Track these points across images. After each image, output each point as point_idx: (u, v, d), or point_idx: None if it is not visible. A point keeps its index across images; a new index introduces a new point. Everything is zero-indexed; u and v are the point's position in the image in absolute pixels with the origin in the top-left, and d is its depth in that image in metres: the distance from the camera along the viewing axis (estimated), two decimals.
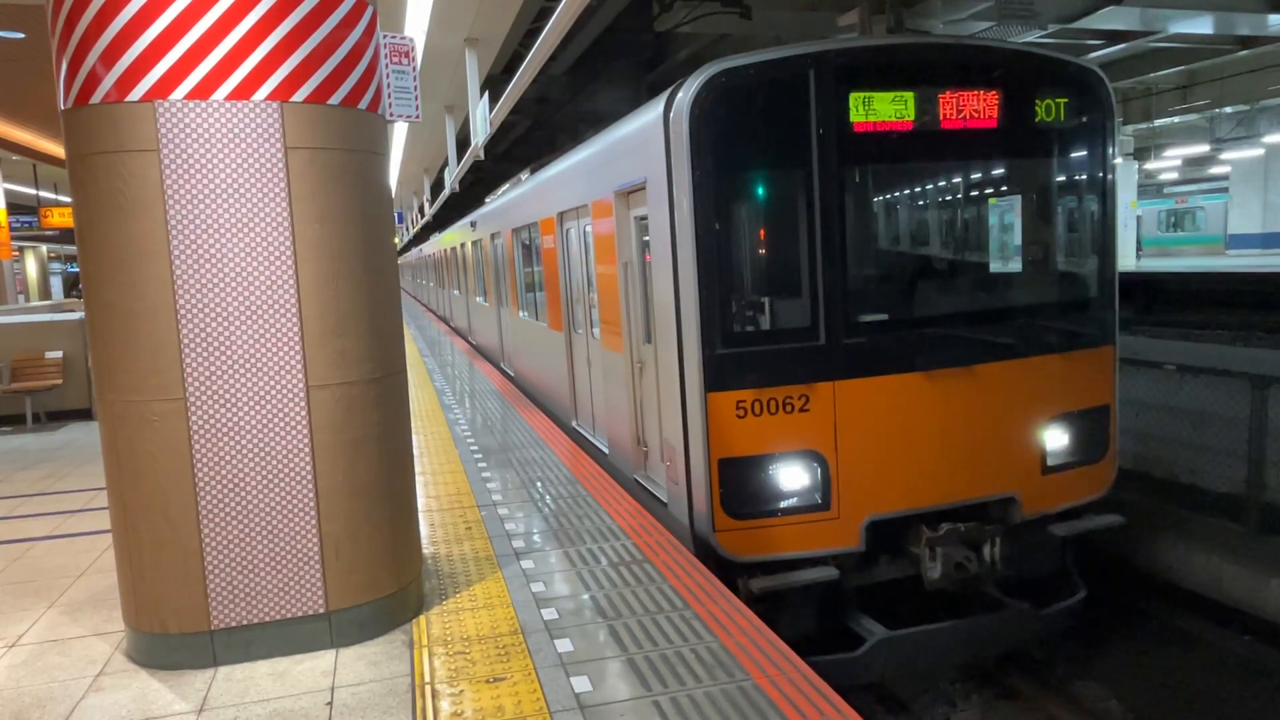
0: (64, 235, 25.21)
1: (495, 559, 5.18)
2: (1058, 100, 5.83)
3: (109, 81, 3.73)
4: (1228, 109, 23.97)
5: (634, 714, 3.42)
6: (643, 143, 5.81)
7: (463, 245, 18.40)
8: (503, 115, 11.03)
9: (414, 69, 5.46)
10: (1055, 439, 5.91)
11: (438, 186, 24.58)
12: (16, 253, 36.27)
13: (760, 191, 5.59)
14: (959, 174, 5.99)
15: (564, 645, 4.02)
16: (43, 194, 24.43)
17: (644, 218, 6.10)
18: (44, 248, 37.96)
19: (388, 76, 5.10)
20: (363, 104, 4.17)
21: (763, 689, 3.55)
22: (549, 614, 4.36)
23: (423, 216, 29.68)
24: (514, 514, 6.07)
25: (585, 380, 8.52)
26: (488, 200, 15.22)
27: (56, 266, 42.87)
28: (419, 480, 7.05)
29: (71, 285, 42.10)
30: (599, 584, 4.74)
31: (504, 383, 12.36)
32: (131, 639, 4.13)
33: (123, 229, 3.79)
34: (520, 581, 4.81)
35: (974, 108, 5.57)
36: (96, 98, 3.76)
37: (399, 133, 17.76)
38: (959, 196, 6.03)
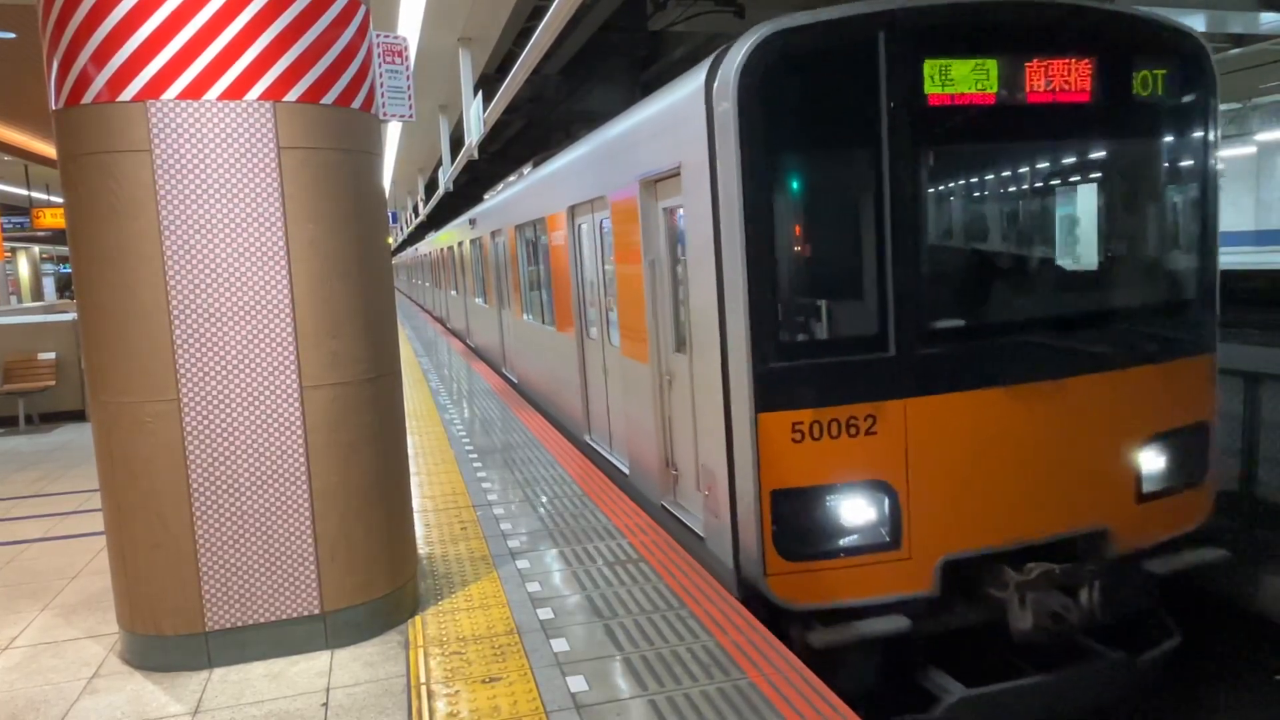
0: (56, 236, 25.15)
1: (491, 559, 5.18)
2: (1157, 71, 4.96)
3: (100, 81, 3.71)
4: (1220, 106, 24.10)
5: (630, 713, 3.41)
6: (676, 122, 5.09)
7: (460, 244, 17.75)
8: (497, 115, 11.00)
9: (407, 68, 5.44)
10: (1151, 462, 5.09)
11: (432, 186, 24.55)
12: (8, 254, 36.16)
13: (821, 176, 4.82)
14: (1045, 157, 5.11)
15: (560, 645, 4.01)
16: (35, 195, 24.33)
17: (676, 209, 5.46)
18: (36, 249, 37.82)
19: (381, 76, 5.09)
20: (356, 103, 4.16)
21: (759, 688, 3.55)
22: (545, 614, 4.36)
23: (417, 216, 29.64)
24: (509, 514, 6.06)
25: (600, 391, 7.76)
26: (486, 197, 14.85)
27: (49, 267, 42.71)
28: (414, 481, 7.04)
29: (64, 286, 41.95)
30: (595, 583, 4.73)
31: (500, 384, 12.35)
32: (126, 641, 4.12)
33: (115, 230, 3.77)
34: (516, 581, 4.81)
35: (1064, 79, 4.74)
36: (88, 98, 3.74)
37: (393, 132, 17.72)
38: (1045, 183, 5.17)
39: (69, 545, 5.95)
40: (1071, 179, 5.23)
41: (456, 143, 16.38)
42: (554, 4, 6.57)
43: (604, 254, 7.14)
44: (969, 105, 4.62)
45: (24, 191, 23.94)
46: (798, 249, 4.73)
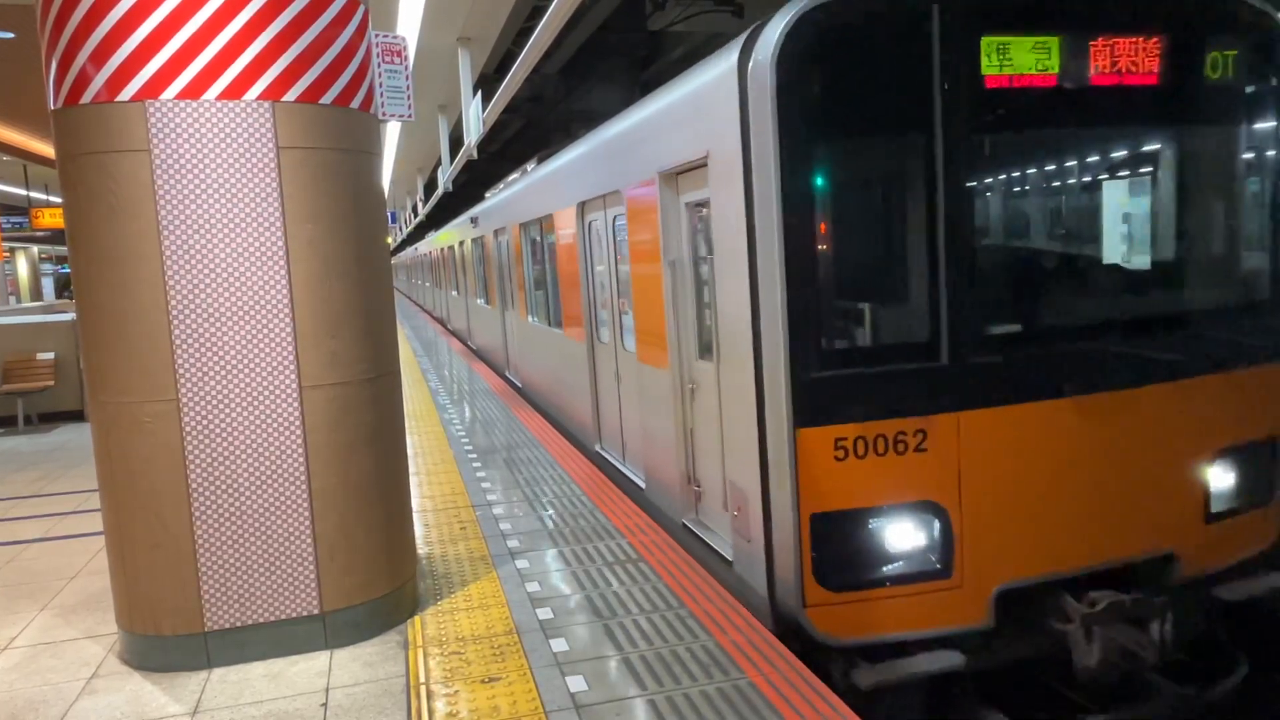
0: (55, 236, 25.14)
1: (490, 559, 5.17)
2: (1230, 52, 4.54)
3: (99, 81, 3.71)
4: None
5: (630, 713, 3.41)
6: (703, 108, 4.66)
7: (461, 243, 17.29)
8: (496, 114, 11.01)
9: (406, 68, 5.44)
10: (1221, 479, 4.69)
11: (431, 186, 24.56)
12: (7, 254, 36.14)
13: (867, 165, 4.43)
14: (1108, 145, 4.70)
15: (559, 645, 4.01)
16: (34, 194, 24.33)
17: (701, 204, 5.00)
18: (35, 249, 37.81)
19: (380, 76, 5.09)
20: (355, 103, 4.15)
21: (758, 687, 3.55)
22: (544, 614, 4.36)
23: (416, 216, 29.64)
24: (509, 514, 6.06)
25: (613, 399, 7.32)
26: (488, 195, 14.63)
27: (48, 267, 42.71)
28: (414, 480, 7.04)
29: (63, 286, 41.96)
30: (594, 583, 4.73)
31: (500, 384, 12.35)
32: (125, 641, 4.12)
33: (114, 229, 3.77)
34: (515, 581, 4.80)
35: (1130, 60, 4.35)
36: (87, 98, 3.74)
37: (392, 132, 17.72)
38: (1107, 174, 4.73)
39: (68, 545, 5.95)
40: (1136, 169, 4.80)
41: (455, 143, 16.38)
42: (553, 4, 6.56)
43: (618, 253, 6.72)
44: (1028, 88, 4.21)
45: (23, 191, 23.93)
46: (841, 246, 4.28)
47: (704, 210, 4.98)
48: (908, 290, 4.30)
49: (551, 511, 6.06)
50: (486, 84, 12.35)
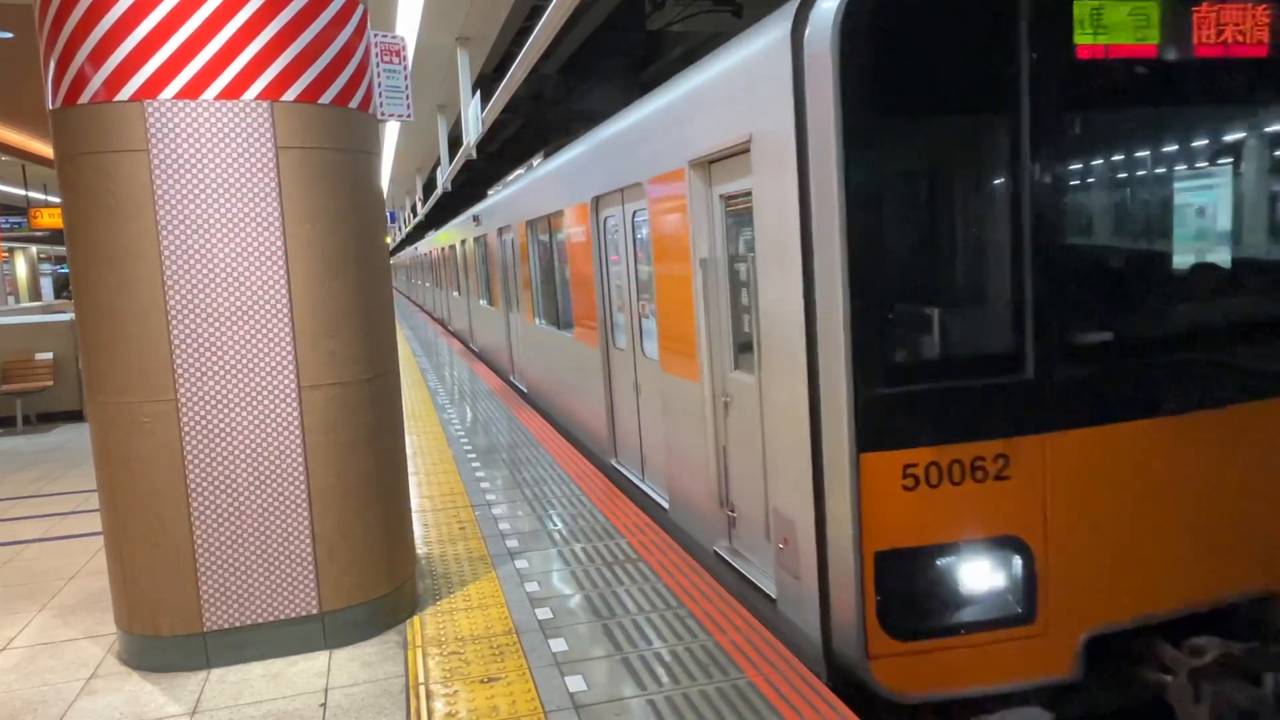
0: (54, 236, 25.12)
1: (489, 559, 5.17)
2: None
3: (97, 81, 3.71)
4: None
5: (629, 713, 3.41)
6: (745, 86, 4.16)
7: (463, 242, 16.71)
8: (495, 114, 11.00)
9: (405, 68, 5.43)
10: None
11: (430, 186, 24.56)
12: (6, 254, 36.12)
13: (944, 148, 3.89)
14: (1214, 126, 4.15)
15: (558, 645, 4.01)
16: (32, 195, 24.31)
17: (740, 196, 4.53)
18: (34, 249, 37.79)
19: (379, 75, 5.08)
20: (354, 103, 4.15)
21: (758, 687, 3.55)
22: (543, 613, 4.36)
23: (415, 216, 29.64)
24: (508, 514, 6.06)
25: (630, 410, 6.79)
26: (491, 192, 14.29)
27: (47, 267, 42.69)
28: (413, 480, 7.04)
29: (62, 286, 41.95)
30: (593, 583, 4.73)
31: (499, 384, 12.34)
32: (124, 641, 4.11)
33: (113, 229, 3.77)
34: (515, 581, 4.80)
35: (1238, 28, 3.82)
36: (85, 98, 3.74)
37: (391, 132, 17.72)
38: (1212, 160, 4.19)
39: (67, 545, 5.94)
40: (1246, 156, 4.24)
41: (455, 142, 16.38)
42: (552, 3, 6.56)
43: (637, 251, 6.25)
44: (1125, 60, 3.71)
45: (22, 191, 23.92)
46: (912, 241, 3.81)
47: (742, 203, 4.51)
48: (987, 293, 3.80)
49: (550, 511, 6.06)
50: (485, 84, 12.35)
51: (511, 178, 12.57)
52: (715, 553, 5.10)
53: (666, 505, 5.98)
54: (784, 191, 3.84)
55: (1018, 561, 3.74)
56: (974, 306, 3.84)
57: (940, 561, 3.69)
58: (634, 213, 6.17)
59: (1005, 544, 3.73)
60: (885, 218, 3.63)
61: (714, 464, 5.03)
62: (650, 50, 13.07)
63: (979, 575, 3.74)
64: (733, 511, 4.97)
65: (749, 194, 4.27)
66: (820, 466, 3.80)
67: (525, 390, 11.42)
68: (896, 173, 3.74)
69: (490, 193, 14.28)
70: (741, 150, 4.30)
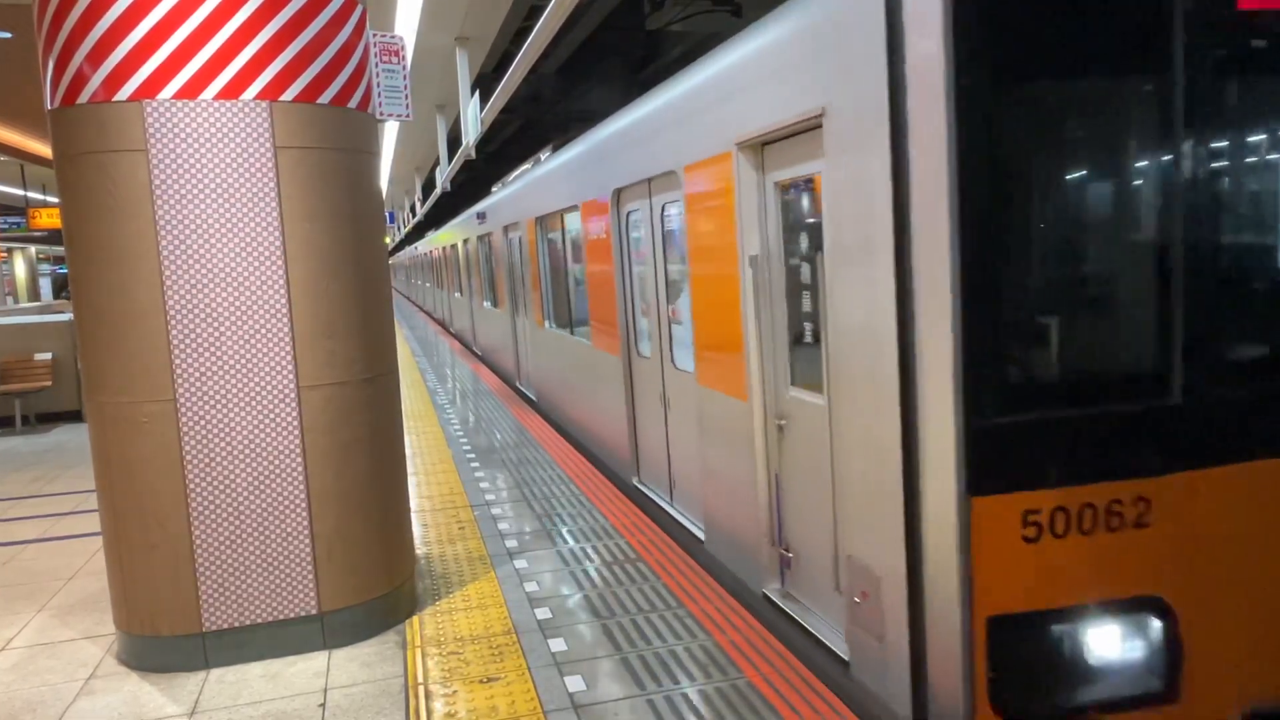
0: (52, 236, 25.08)
1: (489, 559, 5.17)
2: None
3: (96, 81, 3.70)
4: None
5: (628, 713, 3.41)
6: (815, 51, 3.49)
7: (466, 241, 16.03)
8: (494, 114, 11.00)
9: (404, 68, 5.43)
10: None
11: (429, 186, 24.57)
12: (5, 254, 36.10)
13: (1079, 121, 3.12)
14: None
15: (558, 644, 4.01)
16: (31, 195, 24.30)
17: (799, 184, 3.95)
18: (32, 249, 37.76)
19: (378, 75, 5.08)
20: (352, 103, 4.15)
21: (757, 687, 3.55)
22: (542, 613, 4.36)
23: (415, 216, 29.64)
24: (507, 513, 6.06)
25: (657, 425, 6.20)
26: (494, 190, 13.74)
27: (45, 268, 42.67)
28: (412, 481, 7.03)
29: (60, 286, 41.92)
30: (592, 583, 4.73)
31: (497, 383, 12.34)
32: (122, 642, 4.11)
33: (111, 230, 3.76)
34: (514, 581, 4.80)
35: None
36: (83, 97, 3.73)
37: (390, 132, 17.71)
38: None
39: (66, 546, 5.94)
40: None
41: (454, 142, 16.37)
42: (551, 3, 6.56)
43: (667, 249, 5.67)
44: None
45: (20, 191, 23.90)
46: (1040, 236, 3.08)
47: (804, 191, 3.92)
48: (1127, 299, 3.14)
49: (550, 511, 6.06)
50: (485, 83, 12.35)
51: (517, 173, 12.23)
52: (764, 596, 4.47)
53: (702, 536, 5.33)
54: (870, 174, 3.18)
55: (1158, 627, 3.10)
56: (1111, 316, 3.15)
57: (1065, 628, 3.06)
58: (663, 206, 5.60)
59: (1143, 605, 3.09)
60: (1007, 205, 2.95)
61: (764, 495, 4.44)
62: (649, 50, 13.07)
63: (1111, 644, 3.10)
64: (787, 551, 4.34)
65: (817, 179, 3.69)
66: (916, 510, 3.14)
67: (534, 398, 10.86)
68: (1023, 150, 3.01)
69: (494, 189, 13.89)
70: (809, 127, 3.65)
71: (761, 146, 4.22)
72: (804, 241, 4.03)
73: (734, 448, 4.68)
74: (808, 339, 4.04)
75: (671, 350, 5.75)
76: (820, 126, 3.53)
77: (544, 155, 10.47)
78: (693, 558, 5.07)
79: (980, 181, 2.87)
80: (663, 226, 5.68)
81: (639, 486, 6.65)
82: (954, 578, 3.00)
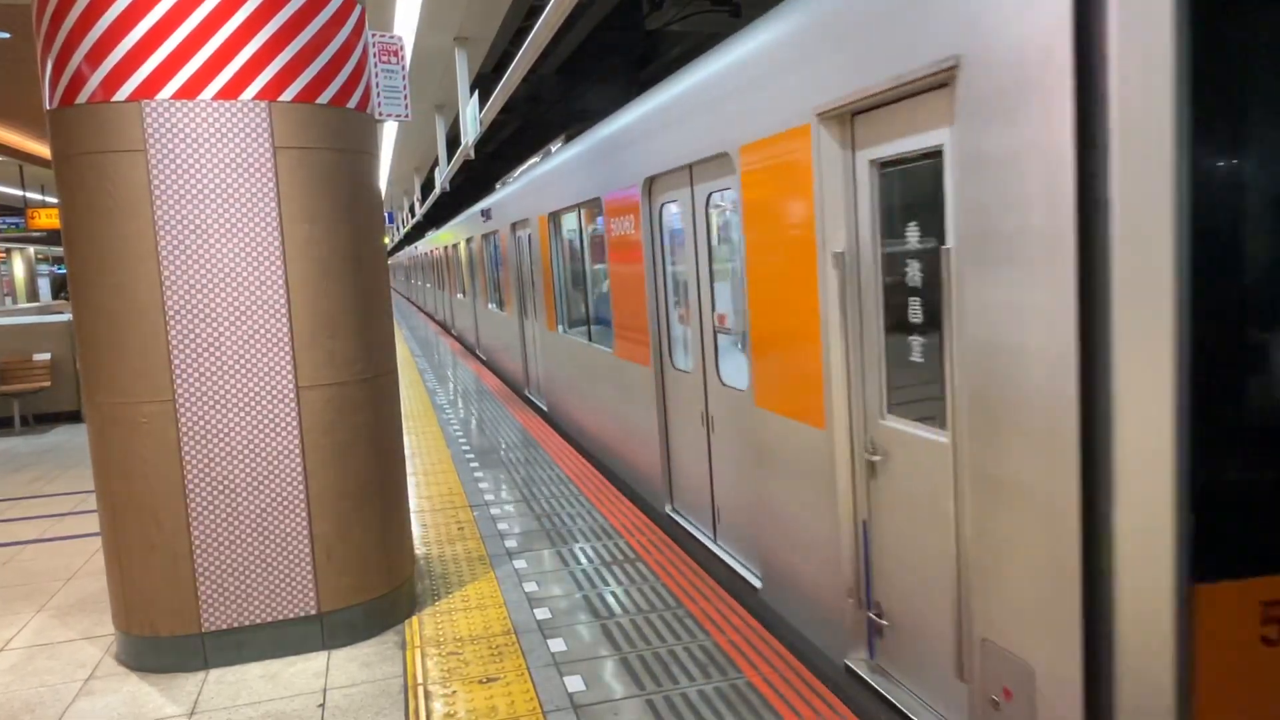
0: (51, 236, 25.08)
1: (488, 559, 5.17)
2: None
3: (95, 81, 3.70)
4: None
5: (627, 713, 3.41)
6: None
7: (469, 240, 15.41)
8: (493, 114, 11.00)
9: (403, 68, 5.43)
10: None
11: (428, 186, 24.56)
12: (3, 254, 36.09)
13: None
14: None
15: (557, 645, 4.01)
16: (30, 195, 24.29)
17: (912, 158, 3.12)
18: (31, 249, 37.74)
19: (376, 75, 5.08)
20: (351, 103, 4.15)
21: (756, 687, 3.55)
22: (542, 614, 4.36)
23: (414, 216, 29.64)
24: (507, 514, 6.06)
25: (695, 447, 5.45)
26: (498, 187, 13.24)
27: (44, 268, 42.66)
28: (411, 481, 7.03)
29: (59, 287, 41.90)
30: (592, 583, 4.73)
31: (496, 383, 12.34)
32: (121, 642, 4.11)
33: (110, 230, 3.76)
34: (513, 581, 4.80)
35: None
36: (82, 98, 3.73)
37: (389, 132, 17.72)
38: None
39: (65, 546, 5.93)
40: None
41: (453, 142, 16.38)
42: (550, 3, 6.56)
43: (713, 245, 4.95)
44: None
45: (19, 192, 23.89)
46: None
47: (912, 168, 3.15)
48: None
49: (549, 511, 6.06)
50: (484, 84, 12.35)
51: (524, 167, 11.74)
52: (846, 668, 3.70)
53: (757, 583, 4.57)
54: (1037, 141, 2.40)
55: None
56: None
57: None
58: (709, 195, 4.88)
59: None
60: (1254, 187, 2.21)
61: (848, 545, 3.66)
62: (648, 50, 13.08)
63: None
64: (879, 616, 3.57)
65: (936, 153, 2.93)
66: (1103, 594, 2.34)
67: (545, 409, 10.12)
68: (1265, 108, 2.21)
69: (498, 187, 13.38)
70: (929, 86, 2.89)
71: (851, 117, 3.41)
72: (915, 234, 3.19)
73: (806, 484, 3.93)
74: (915, 356, 3.23)
75: (718, 363, 5.03)
76: (948, 84, 2.76)
77: (554, 148, 10.11)
78: (743, 605, 4.38)
79: (1223, 142, 2.16)
80: (707, 220, 4.96)
81: (674, 516, 5.91)
82: (1163, 691, 2.24)
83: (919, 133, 3.04)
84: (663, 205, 5.58)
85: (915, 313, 3.20)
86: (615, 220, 6.36)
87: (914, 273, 3.21)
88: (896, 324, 3.32)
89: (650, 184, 5.69)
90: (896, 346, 3.34)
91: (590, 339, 7.69)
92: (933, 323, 3.08)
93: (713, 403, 5.13)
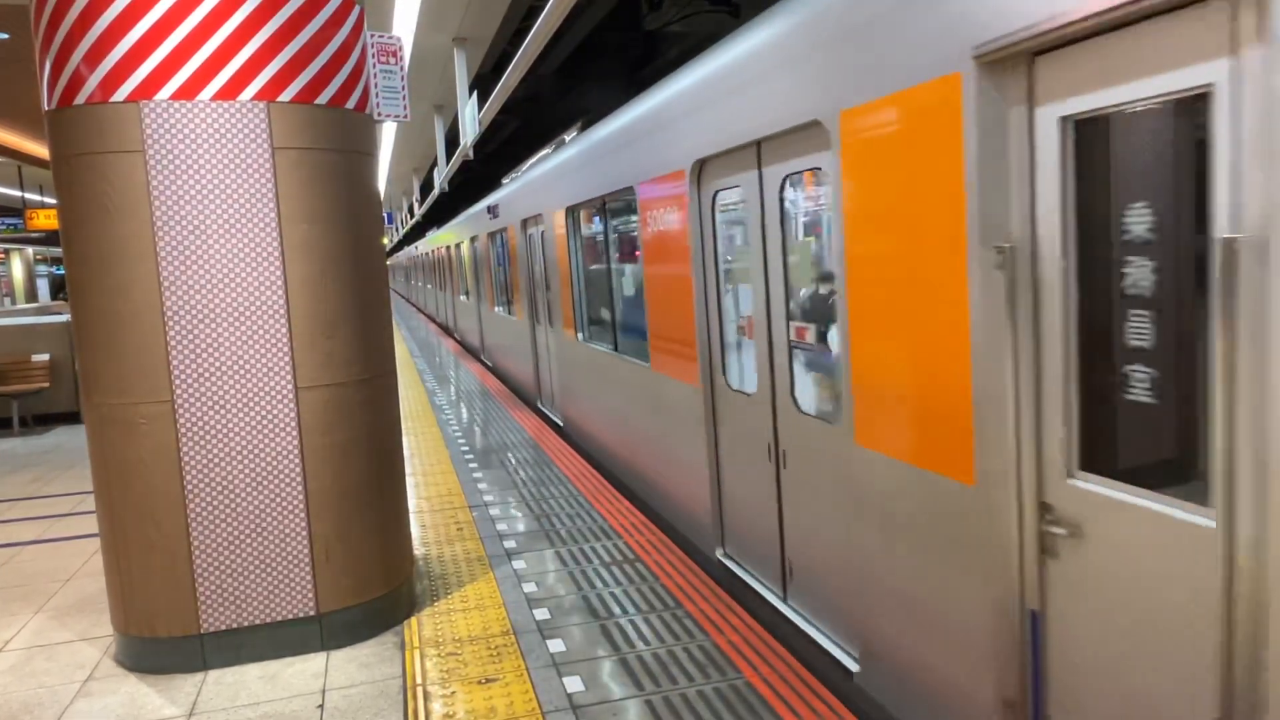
0: (50, 237, 25.07)
1: (487, 559, 5.17)
2: None
3: (93, 82, 3.70)
4: None
5: (627, 713, 3.41)
6: None
7: (474, 239, 14.79)
8: (492, 115, 11.00)
9: (402, 68, 5.43)
10: None
11: (427, 186, 24.57)
12: (2, 255, 36.06)
13: None
14: None
15: (556, 645, 4.01)
16: (29, 196, 24.28)
17: (1121, 116, 2.33)
18: (30, 250, 37.72)
19: (375, 76, 5.08)
20: (350, 103, 4.15)
21: (755, 687, 3.55)
22: (541, 614, 4.36)
23: (413, 217, 29.64)
24: (506, 514, 6.06)
25: (760, 487, 4.57)
26: (505, 182, 12.60)
27: (43, 269, 42.64)
28: (410, 481, 7.03)
29: (58, 288, 41.88)
30: (591, 584, 4.73)
31: (496, 384, 12.33)
32: (120, 643, 4.11)
33: (109, 231, 3.76)
34: (512, 582, 4.80)
35: None
36: (81, 98, 3.73)
37: (388, 132, 17.72)
38: None
39: (63, 547, 5.93)
40: None
41: (452, 143, 16.37)
42: (549, 3, 6.56)
43: (787, 241, 4.13)
44: None
45: (18, 193, 23.89)
46: None
47: (1139, 126, 2.34)
48: None
49: (548, 511, 6.06)
50: (482, 84, 12.35)
51: (534, 160, 10.96)
52: None
53: (853, 666, 3.74)
54: None
55: None
56: None
57: None
58: (784, 179, 4.05)
59: None
60: None
61: (1009, 640, 2.78)
62: (647, 51, 13.08)
63: None
64: None
65: (1197, 100, 2.10)
66: None
67: (561, 424, 9.25)
68: None
69: (504, 182, 12.69)
70: (1173, 5, 2.06)
71: (1031, 58, 2.51)
72: (1143, 220, 2.34)
73: (936, 552, 3.06)
74: (1135, 393, 2.39)
75: (793, 386, 4.18)
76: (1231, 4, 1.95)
77: (569, 137, 9.36)
78: (824, 684, 3.60)
79: None
80: (780, 210, 4.10)
81: (726, 562, 5.06)
82: None
83: (1164, 71, 2.14)
84: (716, 192, 4.71)
85: (1140, 331, 2.36)
86: (653, 212, 5.47)
87: (1141, 274, 2.35)
88: (1101, 345, 2.47)
89: (700, 167, 4.80)
90: (1100, 377, 2.48)
91: (617, 349, 6.85)
92: (1178, 346, 2.26)
93: (785, 433, 4.26)
